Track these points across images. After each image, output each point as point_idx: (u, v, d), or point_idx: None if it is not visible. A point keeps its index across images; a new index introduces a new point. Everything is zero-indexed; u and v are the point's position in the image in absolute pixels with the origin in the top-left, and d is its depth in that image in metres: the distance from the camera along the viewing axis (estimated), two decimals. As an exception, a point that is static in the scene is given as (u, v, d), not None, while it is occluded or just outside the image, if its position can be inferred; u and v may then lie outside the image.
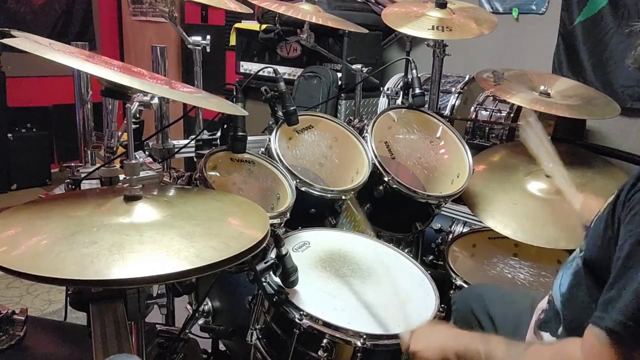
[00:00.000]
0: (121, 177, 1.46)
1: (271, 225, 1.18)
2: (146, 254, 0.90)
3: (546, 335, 1.09)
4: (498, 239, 1.86)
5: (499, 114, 2.47)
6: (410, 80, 2.03)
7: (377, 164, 1.73)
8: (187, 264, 0.88)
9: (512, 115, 2.44)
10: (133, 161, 1.05)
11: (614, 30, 2.55)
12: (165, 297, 1.20)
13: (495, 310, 1.34)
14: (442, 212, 2.01)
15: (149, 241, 0.92)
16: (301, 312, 1.21)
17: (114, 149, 1.51)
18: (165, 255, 0.90)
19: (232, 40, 3.54)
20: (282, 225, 1.49)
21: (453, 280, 1.68)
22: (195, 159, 1.71)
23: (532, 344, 1.03)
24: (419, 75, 1.98)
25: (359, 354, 1.19)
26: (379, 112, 1.97)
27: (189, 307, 1.91)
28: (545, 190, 1.82)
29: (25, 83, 4.54)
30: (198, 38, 1.88)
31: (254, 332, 1.36)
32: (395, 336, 1.22)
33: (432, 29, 2.01)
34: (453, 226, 2.16)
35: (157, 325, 1.65)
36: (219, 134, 1.66)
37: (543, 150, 1.55)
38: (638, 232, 0.83)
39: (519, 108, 2.40)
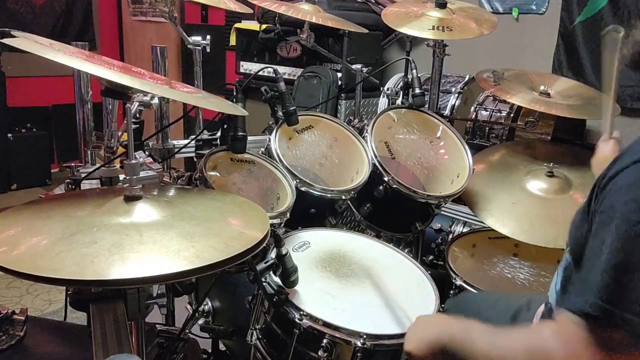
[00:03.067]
0: (121, 177, 1.46)
1: (271, 225, 1.18)
2: (146, 254, 0.90)
3: None
4: (498, 239, 1.86)
5: (499, 114, 2.47)
6: (410, 80, 2.02)
7: (377, 164, 1.73)
8: (187, 264, 0.88)
9: (512, 115, 2.44)
10: (133, 161, 1.05)
11: (614, 30, 2.55)
12: (165, 297, 1.20)
13: (489, 315, 1.33)
14: (442, 212, 2.01)
15: (149, 241, 0.92)
16: (301, 312, 1.21)
17: (114, 149, 1.51)
18: (165, 256, 0.90)
19: (232, 40, 3.54)
20: (282, 225, 1.49)
21: (453, 280, 1.68)
22: (195, 159, 1.71)
23: (511, 329, 1.01)
24: (419, 75, 1.98)
25: (359, 354, 1.19)
26: (379, 112, 1.97)
27: (189, 307, 1.91)
28: (544, 190, 1.82)
29: (25, 83, 4.54)
30: (198, 38, 1.88)
31: (254, 332, 1.36)
32: (395, 336, 1.22)
33: (432, 29, 2.01)
34: (453, 226, 2.16)
35: (157, 325, 1.65)
36: (219, 134, 1.66)
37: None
38: (604, 215, 0.84)
39: (519, 108, 2.40)
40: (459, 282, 1.67)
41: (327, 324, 1.20)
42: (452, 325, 1.07)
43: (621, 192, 0.83)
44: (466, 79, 2.74)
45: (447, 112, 2.61)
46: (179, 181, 1.69)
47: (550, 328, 0.87)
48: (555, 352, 0.84)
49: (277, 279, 1.25)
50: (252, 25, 3.36)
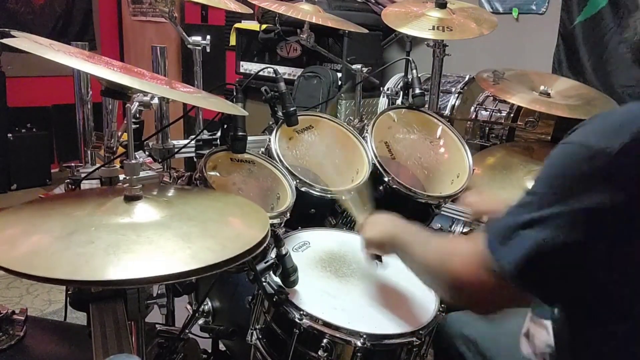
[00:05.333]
0: (121, 177, 1.46)
1: (271, 225, 1.18)
2: (141, 255, 0.89)
3: (548, 323, 1.08)
4: (498, 239, 1.86)
5: (499, 114, 2.47)
6: (410, 80, 2.03)
7: (377, 164, 1.73)
8: (182, 266, 0.87)
9: (512, 115, 2.44)
10: (133, 161, 1.05)
11: (614, 30, 2.55)
12: (165, 297, 1.20)
13: (480, 331, 1.33)
14: (442, 212, 2.01)
15: (145, 241, 0.92)
16: (301, 312, 1.21)
17: (114, 149, 1.50)
18: (160, 257, 0.89)
19: (232, 40, 3.54)
20: (282, 225, 1.49)
21: (453, 280, 1.68)
22: (195, 159, 1.71)
23: (435, 236, 1.14)
24: (419, 75, 1.98)
25: (359, 354, 1.19)
26: (379, 112, 1.97)
27: (189, 307, 1.91)
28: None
29: (25, 83, 4.54)
30: (198, 38, 1.88)
31: (254, 332, 1.36)
32: (395, 336, 1.22)
33: (432, 29, 2.01)
34: (453, 226, 2.16)
35: (157, 325, 1.64)
36: (219, 134, 1.66)
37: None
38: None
39: (519, 108, 2.40)
40: (459, 282, 1.66)
41: (327, 324, 1.20)
42: (398, 226, 1.24)
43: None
44: (466, 79, 2.73)
45: (447, 112, 2.60)
46: (179, 181, 1.69)
47: (464, 240, 1.00)
48: (455, 261, 0.94)
49: (277, 279, 1.25)
50: (252, 25, 3.36)
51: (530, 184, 1.81)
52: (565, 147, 0.84)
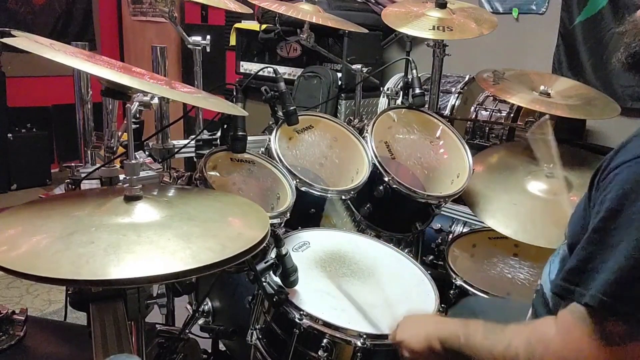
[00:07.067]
0: (121, 177, 1.46)
1: (271, 225, 1.18)
2: (142, 255, 0.89)
3: None
4: (498, 239, 1.86)
5: (499, 114, 2.47)
6: (410, 80, 2.03)
7: (377, 164, 1.73)
8: (182, 265, 0.87)
9: (512, 115, 2.44)
10: (133, 161, 1.05)
11: (614, 30, 2.55)
12: (165, 297, 1.20)
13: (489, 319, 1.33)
14: (442, 212, 2.01)
15: (146, 241, 0.92)
16: (301, 312, 1.21)
17: (114, 149, 1.50)
18: (161, 257, 0.89)
19: (232, 40, 3.54)
20: (282, 225, 1.49)
21: (453, 280, 1.68)
22: (195, 159, 1.71)
23: (510, 324, 1.00)
24: (419, 75, 1.98)
25: (359, 354, 1.19)
26: (379, 112, 1.97)
27: (189, 307, 1.91)
28: (545, 190, 1.82)
29: (25, 83, 4.54)
30: (198, 38, 1.88)
31: (254, 332, 1.36)
32: (395, 336, 1.22)
33: (432, 29, 2.01)
34: (453, 226, 2.16)
35: (157, 325, 1.65)
36: (219, 134, 1.66)
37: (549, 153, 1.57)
38: (610, 208, 0.84)
39: (519, 108, 2.40)
40: (459, 282, 1.67)
41: (327, 324, 1.20)
42: (449, 322, 1.08)
43: (631, 192, 0.83)
44: (466, 79, 2.74)
45: (447, 112, 2.61)
46: (179, 181, 1.69)
47: (550, 320, 0.88)
48: (554, 341, 0.85)
49: (277, 279, 1.25)
50: (252, 25, 3.36)
51: (530, 185, 1.83)
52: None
